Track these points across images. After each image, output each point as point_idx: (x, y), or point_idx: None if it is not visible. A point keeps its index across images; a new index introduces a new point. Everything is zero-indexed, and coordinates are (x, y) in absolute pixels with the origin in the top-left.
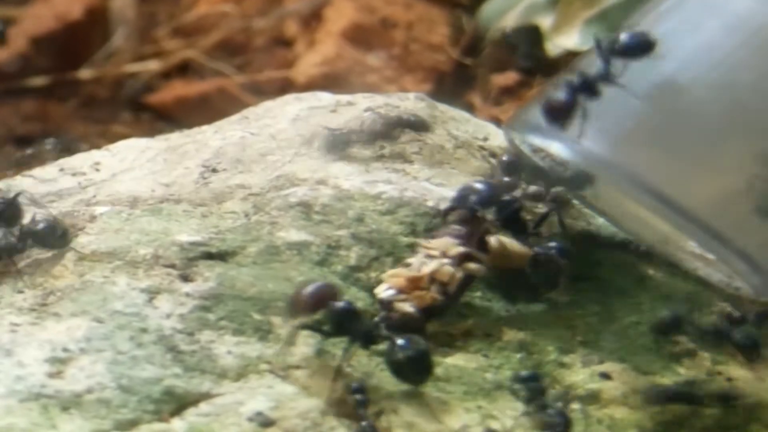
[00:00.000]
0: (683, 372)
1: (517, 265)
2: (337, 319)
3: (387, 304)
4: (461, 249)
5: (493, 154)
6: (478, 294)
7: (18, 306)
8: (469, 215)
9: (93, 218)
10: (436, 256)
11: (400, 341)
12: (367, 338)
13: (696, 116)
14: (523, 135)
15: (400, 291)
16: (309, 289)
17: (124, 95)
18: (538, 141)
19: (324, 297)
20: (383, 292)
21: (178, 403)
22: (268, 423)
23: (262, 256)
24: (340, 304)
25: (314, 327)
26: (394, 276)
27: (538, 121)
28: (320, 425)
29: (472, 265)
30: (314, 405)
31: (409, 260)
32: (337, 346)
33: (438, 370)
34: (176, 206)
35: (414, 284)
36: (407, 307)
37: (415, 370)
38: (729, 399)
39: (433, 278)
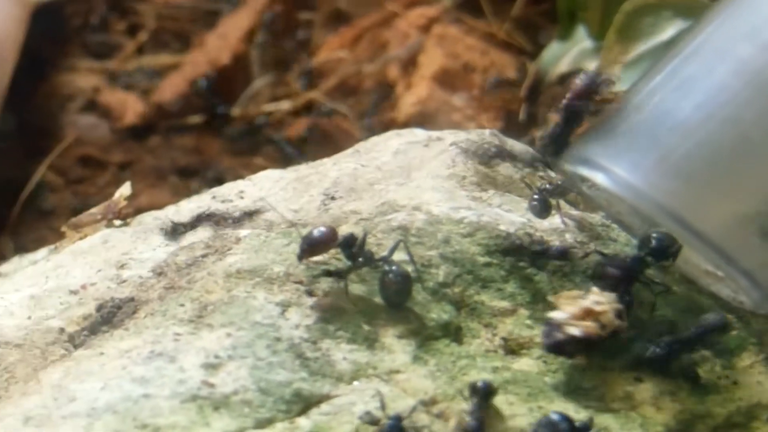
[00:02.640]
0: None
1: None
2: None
3: (555, 325)
4: (620, 307)
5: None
6: (540, 307)
7: (179, 318)
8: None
9: (238, 240)
10: (603, 303)
11: (392, 267)
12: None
13: (709, 149)
14: (573, 167)
15: (572, 317)
16: (322, 228)
17: (263, 131)
18: (585, 172)
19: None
20: (557, 314)
21: (304, 404)
22: (375, 421)
23: (370, 274)
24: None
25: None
26: (568, 304)
27: (585, 154)
28: (416, 422)
29: (620, 322)
30: (412, 404)
31: (578, 297)
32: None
33: (507, 375)
34: (303, 230)
35: (585, 315)
36: (575, 331)
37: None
38: None
39: (597, 318)
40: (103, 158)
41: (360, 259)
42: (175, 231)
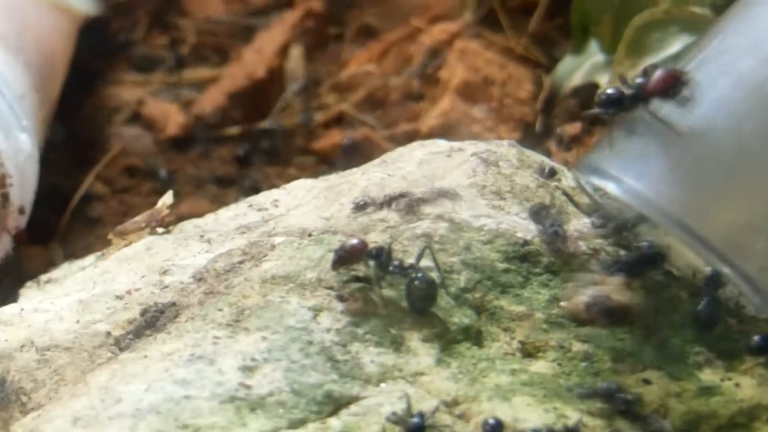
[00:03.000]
0: (703, 378)
1: None
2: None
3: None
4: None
5: (565, 193)
6: (555, 311)
7: (218, 322)
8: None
9: (273, 247)
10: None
11: (418, 274)
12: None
13: (711, 159)
14: (586, 176)
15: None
16: (353, 240)
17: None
18: (597, 181)
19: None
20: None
21: (335, 405)
22: (401, 421)
23: (396, 279)
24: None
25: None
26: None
27: (597, 164)
28: (438, 422)
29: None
30: (435, 404)
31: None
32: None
33: (524, 377)
34: (333, 237)
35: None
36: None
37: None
38: None
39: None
40: (147, 168)
41: (389, 267)
42: (364, 208)
